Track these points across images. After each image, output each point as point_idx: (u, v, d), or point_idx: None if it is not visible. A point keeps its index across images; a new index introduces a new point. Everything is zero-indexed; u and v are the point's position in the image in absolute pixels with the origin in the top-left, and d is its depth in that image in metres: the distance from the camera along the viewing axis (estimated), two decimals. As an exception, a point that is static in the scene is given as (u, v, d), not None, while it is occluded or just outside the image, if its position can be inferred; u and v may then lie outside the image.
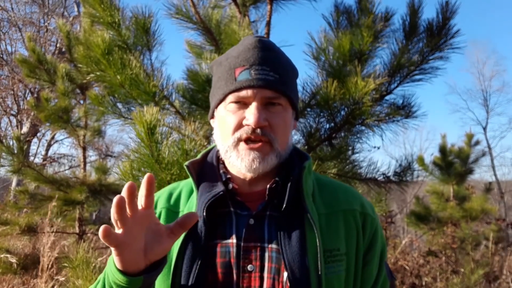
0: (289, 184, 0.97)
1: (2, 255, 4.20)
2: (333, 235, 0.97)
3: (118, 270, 0.82)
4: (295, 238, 0.93)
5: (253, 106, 0.94)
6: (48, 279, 3.71)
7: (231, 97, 0.97)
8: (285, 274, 0.91)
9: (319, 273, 0.91)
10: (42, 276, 3.63)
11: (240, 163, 0.96)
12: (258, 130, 0.94)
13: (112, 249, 0.80)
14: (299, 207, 0.96)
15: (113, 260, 0.83)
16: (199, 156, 1.09)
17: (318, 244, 0.92)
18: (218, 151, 1.05)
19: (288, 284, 0.90)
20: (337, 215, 0.99)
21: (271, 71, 0.96)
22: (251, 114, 0.94)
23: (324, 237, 0.95)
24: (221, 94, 0.99)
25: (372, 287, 1.01)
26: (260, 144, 0.95)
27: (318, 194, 1.02)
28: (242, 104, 0.96)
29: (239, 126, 0.96)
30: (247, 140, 0.95)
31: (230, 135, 0.96)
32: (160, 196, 1.08)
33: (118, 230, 0.79)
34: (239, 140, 0.96)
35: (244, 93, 0.95)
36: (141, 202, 0.81)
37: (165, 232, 0.83)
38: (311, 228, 0.94)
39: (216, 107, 1.02)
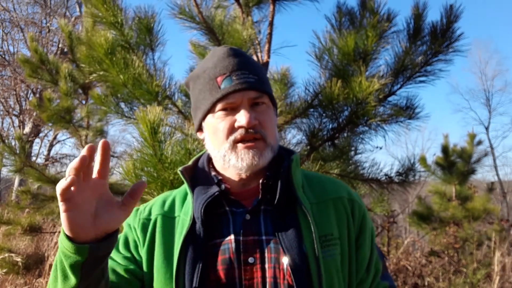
0: (280, 177, 1.02)
1: (5, 255, 4.20)
2: (325, 222, 1.02)
3: (66, 236, 0.81)
4: (290, 227, 0.98)
5: (243, 109, 0.99)
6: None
7: (219, 105, 1.01)
8: (285, 261, 0.95)
9: (317, 256, 0.96)
10: (50, 275, 3.63)
11: (241, 163, 1.00)
12: (251, 130, 0.99)
13: (61, 204, 0.78)
14: (291, 199, 1.01)
15: (63, 228, 0.82)
16: (190, 162, 1.13)
17: (313, 230, 0.97)
18: (208, 156, 1.11)
19: (289, 270, 0.94)
20: (327, 203, 1.05)
21: (250, 74, 1.02)
22: (242, 116, 0.98)
23: (317, 223, 1.00)
24: (208, 104, 1.02)
25: (366, 268, 1.06)
26: (255, 142, 1.00)
27: (307, 186, 1.08)
28: (230, 109, 1.01)
29: (232, 129, 1.00)
30: (243, 141, 1.00)
31: (225, 139, 1.01)
32: (154, 204, 1.11)
33: (69, 180, 0.75)
34: (235, 142, 1.00)
35: (231, 98, 1.00)
36: (96, 168, 0.81)
37: (116, 204, 0.83)
38: (304, 216, 0.99)
39: (204, 118, 1.06)
